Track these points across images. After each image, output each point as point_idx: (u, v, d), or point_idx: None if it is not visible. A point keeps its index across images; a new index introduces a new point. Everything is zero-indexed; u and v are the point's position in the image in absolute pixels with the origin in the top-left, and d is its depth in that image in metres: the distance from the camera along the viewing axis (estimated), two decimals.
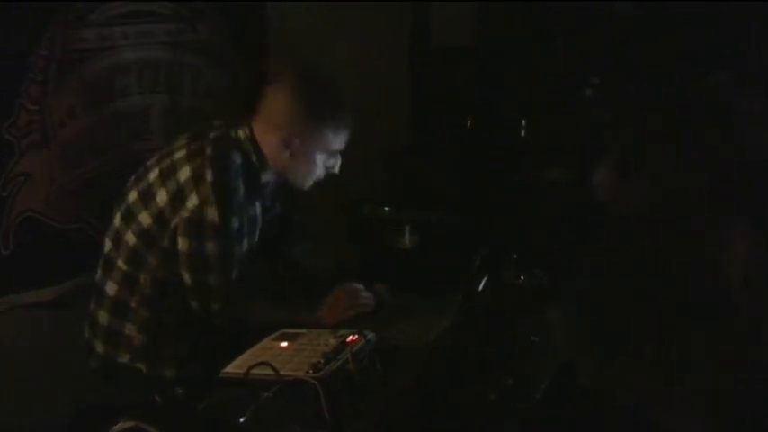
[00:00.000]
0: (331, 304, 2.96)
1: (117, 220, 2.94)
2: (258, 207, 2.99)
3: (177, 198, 2.82)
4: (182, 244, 2.84)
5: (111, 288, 2.94)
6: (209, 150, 2.87)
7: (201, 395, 2.42)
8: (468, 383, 2.53)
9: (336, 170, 3.01)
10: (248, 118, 2.94)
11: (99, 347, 2.98)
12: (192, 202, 2.80)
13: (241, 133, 2.93)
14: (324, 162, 2.97)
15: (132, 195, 2.90)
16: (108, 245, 2.97)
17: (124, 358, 2.96)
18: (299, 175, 2.98)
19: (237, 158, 2.88)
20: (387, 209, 3.91)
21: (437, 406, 2.44)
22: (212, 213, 2.79)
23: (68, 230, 3.43)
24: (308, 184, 3.02)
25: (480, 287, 2.78)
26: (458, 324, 2.83)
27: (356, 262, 4.09)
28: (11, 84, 3.21)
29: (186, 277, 2.87)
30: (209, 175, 2.81)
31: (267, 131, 2.91)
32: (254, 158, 2.93)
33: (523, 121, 4.36)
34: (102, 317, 2.97)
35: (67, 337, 3.36)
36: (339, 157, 3.00)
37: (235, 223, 2.84)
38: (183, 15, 3.80)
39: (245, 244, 2.95)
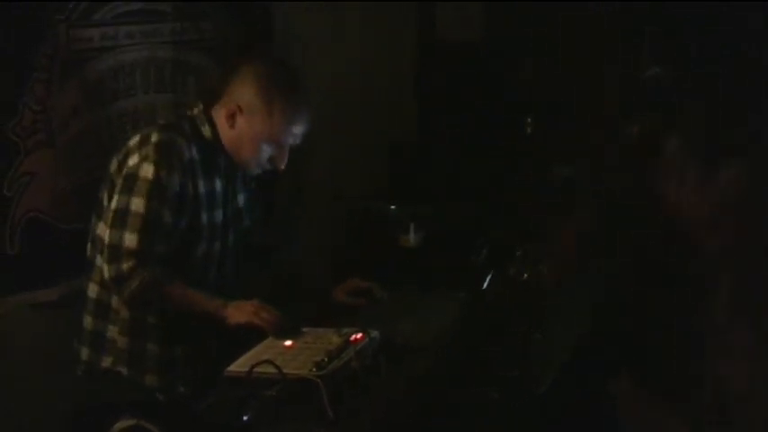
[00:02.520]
0: (239, 305, 2.78)
1: (93, 220, 2.91)
2: (219, 184, 2.93)
3: (123, 162, 2.81)
4: (113, 202, 2.78)
5: (92, 290, 2.90)
6: (160, 122, 2.94)
7: (204, 393, 2.41)
8: (472, 381, 2.52)
9: (281, 167, 2.92)
10: (210, 99, 2.93)
11: (84, 354, 2.95)
12: (133, 160, 2.78)
13: (195, 109, 2.93)
14: (267, 151, 2.88)
15: (102, 191, 2.88)
16: (89, 247, 2.93)
17: (107, 362, 2.91)
18: (242, 156, 2.90)
19: (188, 127, 2.87)
20: (393, 207, 3.91)
21: (440, 404, 2.43)
22: (147, 169, 2.75)
23: (73, 230, 3.41)
24: (252, 169, 2.95)
25: (485, 284, 2.77)
26: (462, 321, 2.83)
27: (357, 259, 4.10)
28: (15, 83, 3.20)
29: (105, 236, 2.76)
30: (154, 137, 2.80)
31: (219, 106, 2.88)
32: (206, 132, 2.88)
33: (529, 119, 4.35)
34: (87, 321, 2.94)
35: (72, 337, 3.37)
36: (285, 152, 2.90)
37: (173, 184, 2.76)
38: (188, 14, 3.79)
39: (204, 218, 2.88)
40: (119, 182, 2.79)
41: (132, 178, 2.76)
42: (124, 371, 2.89)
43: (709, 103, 2.21)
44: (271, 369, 2.44)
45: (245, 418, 2.28)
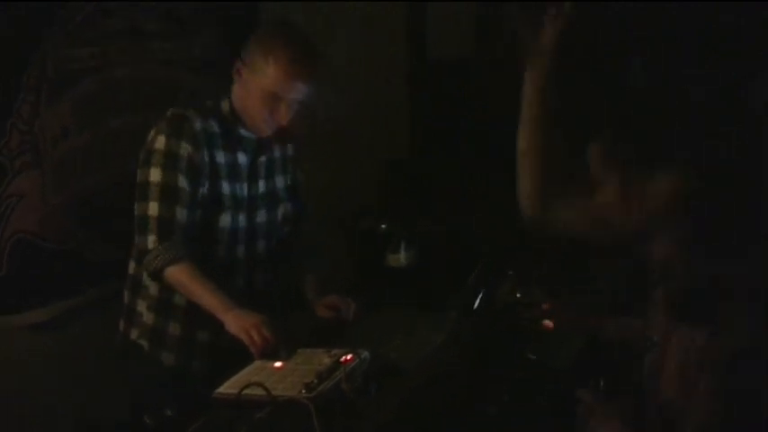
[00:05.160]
0: (240, 315, 2.77)
1: None
2: (243, 157, 2.99)
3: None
4: (137, 177, 2.90)
5: (131, 266, 2.99)
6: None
7: (193, 416, 2.39)
8: (464, 401, 2.51)
9: (281, 121, 2.93)
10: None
11: (121, 325, 3.05)
12: (151, 135, 2.90)
13: (221, 92, 2.99)
14: (269, 105, 2.89)
15: None
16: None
17: (134, 335, 3.01)
18: (249, 114, 2.94)
19: (210, 103, 2.96)
20: (383, 226, 3.89)
21: (431, 424, 2.42)
22: (159, 141, 2.86)
23: (62, 251, 3.40)
24: (259, 128, 2.96)
25: (476, 304, 2.75)
26: (453, 340, 2.81)
27: (354, 275, 4.08)
28: (2, 104, 3.19)
29: (134, 210, 2.88)
30: (169, 112, 2.91)
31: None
32: (225, 106, 2.96)
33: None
34: (126, 295, 3.04)
35: (62, 359, 3.35)
36: (287, 108, 2.91)
37: (183, 153, 2.84)
38: (178, 33, 3.79)
39: (225, 188, 2.94)
40: (141, 158, 2.91)
41: (148, 152, 2.88)
42: (146, 345, 3.00)
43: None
44: (260, 391, 2.42)
45: None
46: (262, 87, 2.87)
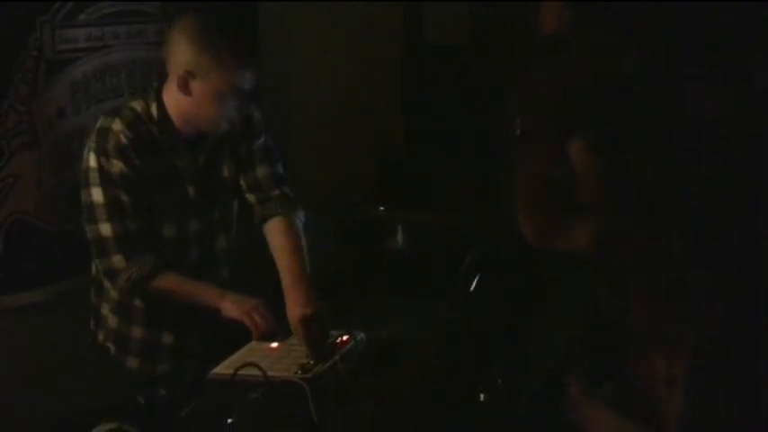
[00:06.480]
0: (239, 300, 2.76)
1: None
2: (183, 160, 2.85)
3: None
4: (81, 197, 2.82)
5: (94, 268, 2.92)
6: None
7: (187, 396, 2.40)
8: (459, 385, 2.51)
9: (248, 112, 2.86)
10: (161, 80, 2.87)
11: (91, 324, 3.00)
12: (85, 152, 2.80)
13: (149, 91, 2.87)
14: (231, 102, 2.76)
15: None
16: None
17: (101, 336, 2.97)
18: (205, 119, 2.80)
19: (139, 109, 2.81)
20: (381, 209, 3.89)
21: (426, 407, 2.42)
22: (91, 158, 2.76)
23: (59, 232, 3.39)
24: (221, 127, 2.83)
25: (471, 288, 2.75)
26: (450, 325, 2.81)
27: (352, 263, 4.08)
28: None
29: (87, 232, 2.81)
30: (97, 124, 2.81)
31: (169, 81, 2.80)
32: (154, 111, 2.80)
33: (518, 119, 4.33)
34: (92, 296, 2.99)
35: (56, 340, 3.35)
36: (246, 98, 2.80)
37: (115, 167, 2.73)
38: (174, 15, 3.77)
39: (166, 196, 2.84)
40: (81, 177, 2.83)
41: (85, 171, 2.79)
42: (112, 348, 2.96)
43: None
44: (255, 372, 2.42)
45: (229, 420, 2.26)
46: (224, 87, 2.73)
